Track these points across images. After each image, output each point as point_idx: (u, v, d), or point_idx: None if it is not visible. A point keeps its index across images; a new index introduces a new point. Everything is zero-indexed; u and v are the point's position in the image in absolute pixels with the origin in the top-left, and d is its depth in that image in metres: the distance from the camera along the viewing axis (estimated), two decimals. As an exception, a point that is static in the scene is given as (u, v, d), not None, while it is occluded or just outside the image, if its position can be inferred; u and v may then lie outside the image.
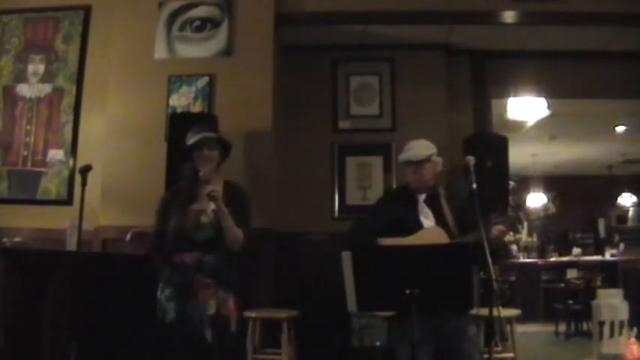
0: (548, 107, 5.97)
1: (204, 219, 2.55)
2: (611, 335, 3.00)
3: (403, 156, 2.78)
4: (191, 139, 2.61)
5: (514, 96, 5.45)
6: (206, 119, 3.91)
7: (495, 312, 2.22)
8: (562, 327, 6.62)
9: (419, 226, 2.66)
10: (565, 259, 8.96)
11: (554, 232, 10.51)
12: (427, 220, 2.69)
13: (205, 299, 2.48)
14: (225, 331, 2.51)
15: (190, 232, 2.53)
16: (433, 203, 2.74)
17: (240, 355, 2.71)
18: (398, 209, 2.71)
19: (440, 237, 2.59)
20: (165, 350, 2.47)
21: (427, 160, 2.73)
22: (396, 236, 2.60)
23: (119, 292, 3.32)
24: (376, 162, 4.76)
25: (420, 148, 2.76)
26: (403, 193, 2.80)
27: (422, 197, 2.75)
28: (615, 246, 9.32)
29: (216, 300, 2.50)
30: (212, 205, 2.46)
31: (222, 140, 2.72)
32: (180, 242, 2.53)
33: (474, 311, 2.33)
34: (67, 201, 4.36)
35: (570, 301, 6.70)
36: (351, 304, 2.19)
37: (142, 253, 3.89)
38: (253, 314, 3.61)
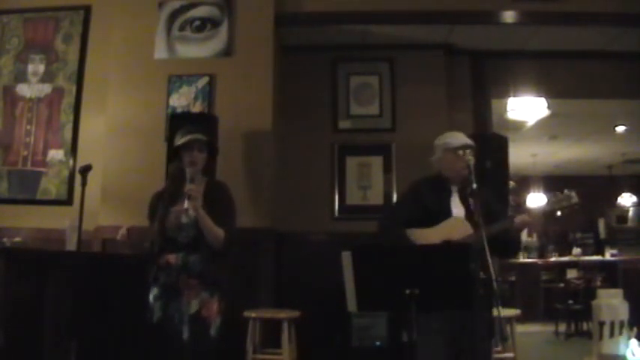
0: (548, 107, 5.97)
1: (184, 219, 2.54)
2: (611, 335, 3.00)
3: (458, 140, 2.75)
4: (181, 139, 2.61)
5: (514, 96, 5.44)
6: (199, 120, 3.91)
7: (495, 312, 2.21)
8: (562, 327, 6.63)
9: (448, 216, 2.65)
10: (565, 259, 8.97)
11: (554, 232, 10.52)
12: (457, 210, 2.69)
13: (188, 299, 2.49)
14: (203, 332, 2.50)
15: (173, 233, 2.54)
16: (464, 196, 2.73)
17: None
18: (431, 199, 2.70)
19: (463, 228, 2.59)
20: (151, 350, 2.49)
21: (473, 147, 2.76)
22: (425, 225, 2.61)
23: (119, 292, 3.32)
24: (376, 162, 4.76)
25: (466, 137, 2.79)
26: (437, 183, 2.77)
27: (455, 189, 2.75)
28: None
29: (199, 300, 2.50)
30: (186, 204, 2.44)
31: (211, 143, 2.72)
32: (164, 243, 2.53)
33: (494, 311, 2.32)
34: (67, 201, 4.36)
35: (570, 301, 6.70)
36: (351, 304, 2.19)
37: (140, 252, 3.91)
38: (253, 314, 3.61)
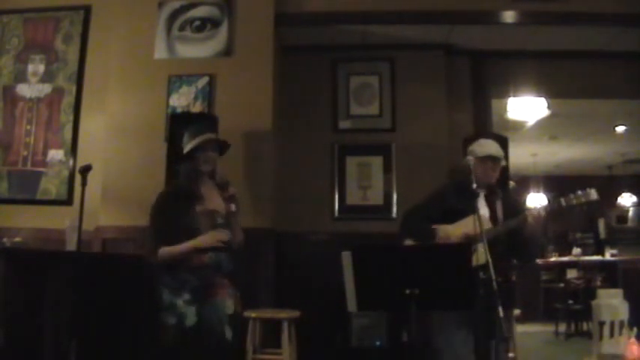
0: (548, 107, 5.97)
1: (220, 220, 2.57)
2: (611, 335, 3.00)
3: (484, 150, 2.82)
4: (194, 140, 2.60)
5: (514, 96, 5.44)
6: (202, 120, 3.92)
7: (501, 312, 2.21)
8: (562, 327, 6.62)
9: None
10: (565, 259, 8.95)
11: (554, 232, 10.52)
12: (483, 211, 2.75)
13: (223, 299, 2.50)
14: (239, 327, 2.60)
15: (204, 233, 2.52)
16: (490, 200, 2.83)
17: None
18: (458, 200, 2.76)
19: (484, 224, 2.62)
20: (186, 355, 2.44)
21: (502, 159, 2.85)
22: (449, 223, 2.72)
23: (119, 292, 3.32)
24: (376, 162, 4.76)
25: (498, 147, 2.87)
26: (465, 186, 2.79)
27: (482, 193, 2.83)
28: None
29: (233, 299, 2.54)
30: (232, 207, 2.55)
31: (221, 142, 2.73)
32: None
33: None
34: (67, 201, 4.36)
35: (570, 301, 6.70)
36: (351, 304, 2.19)
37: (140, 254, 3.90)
38: (253, 314, 3.61)
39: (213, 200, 2.59)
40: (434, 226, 2.74)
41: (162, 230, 2.55)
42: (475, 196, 2.70)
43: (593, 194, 2.63)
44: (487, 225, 2.65)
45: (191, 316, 2.46)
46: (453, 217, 2.73)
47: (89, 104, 4.51)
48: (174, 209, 2.56)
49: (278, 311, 3.75)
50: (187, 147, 2.62)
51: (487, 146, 2.85)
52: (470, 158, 2.65)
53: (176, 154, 2.89)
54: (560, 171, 10.53)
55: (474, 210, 2.66)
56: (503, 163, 2.89)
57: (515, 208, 2.87)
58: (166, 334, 2.45)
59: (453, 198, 2.80)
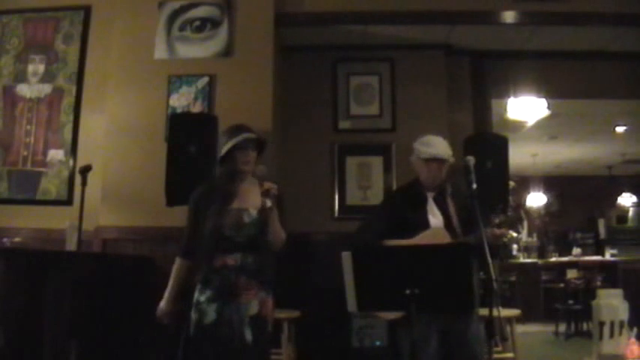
0: (548, 107, 5.97)
1: (246, 218, 2.50)
2: (611, 335, 3.00)
3: (431, 152, 2.70)
4: (233, 139, 2.53)
5: (514, 96, 5.44)
6: (199, 120, 3.92)
7: (495, 312, 2.21)
8: (562, 327, 6.64)
9: (426, 225, 2.64)
10: (565, 259, 8.96)
11: (554, 232, 10.53)
12: (434, 218, 2.68)
13: (248, 300, 2.45)
14: (264, 331, 2.49)
15: (231, 232, 2.48)
16: (441, 201, 2.72)
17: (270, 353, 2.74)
18: (406, 207, 2.69)
19: (442, 238, 2.58)
20: (202, 352, 2.43)
21: (449, 159, 2.73)
22: (402, 234, 2.59)
23: (119, 292, 3.32)
24: (376, 162, 4.76)
25: (444, 146, 2.74)
26: (412, 191, 2.77)
27: (431, 195, 2.73)
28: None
29: (258, 301, 2.47)
30: (268, 202, 2.42)
31: (260, 140, 2.67)
32: (219, 243, 2.47)
33: (478, 311, 2.33)
34: (67, 201, 4.35)
35: (570, 301, 6.71)
36: (351, 304, 2.19)
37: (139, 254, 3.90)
38: (253, 314, 3.60)
39: (249, 199, 2.54)
40: (390, 242, 2.59)
41: (189, 235, 2.55)
42: (424, 201, 2.65)
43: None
44: (446, 238, 2.58)
45: (210, 313, 2.44)
46: (405, 227, 2.61)
47: (89, 104, 4.51)
48: (205, 210, 2.52)
49: (278, 311, 3.73)
50: (225, 147, 2.53)
51: (433, 146, 2.72)
52: (469, 158, 2.59)
53: (216, 155, 2.79)
54: (560, 171, 10.54)
55: (424, 219, 2.61)
56: (451, 160, 2.74)
57: (466, 205, 2.75)
58: (188, 329, 2.49)
59: (401, 207, 2.69)
